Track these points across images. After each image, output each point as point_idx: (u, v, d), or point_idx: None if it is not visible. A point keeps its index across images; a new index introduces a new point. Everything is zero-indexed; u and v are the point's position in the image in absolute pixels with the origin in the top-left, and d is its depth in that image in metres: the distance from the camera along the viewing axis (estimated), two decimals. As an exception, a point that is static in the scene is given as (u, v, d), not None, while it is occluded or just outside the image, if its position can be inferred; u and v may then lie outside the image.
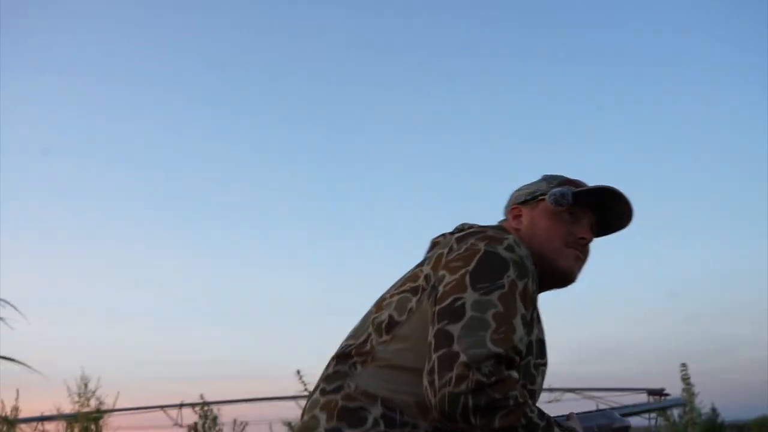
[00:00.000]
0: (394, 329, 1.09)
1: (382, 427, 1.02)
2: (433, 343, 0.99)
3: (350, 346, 1.13)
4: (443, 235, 1.22)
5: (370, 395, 1.05)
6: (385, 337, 1.09)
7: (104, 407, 5.60)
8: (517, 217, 1.27)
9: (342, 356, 1.12)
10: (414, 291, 1.11)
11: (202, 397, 6.16)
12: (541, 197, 1.26)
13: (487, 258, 1.06)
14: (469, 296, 1.01)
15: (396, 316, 1.10)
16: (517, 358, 1.01)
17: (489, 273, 1.04)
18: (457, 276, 1.05)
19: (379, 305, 1.15)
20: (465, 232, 1.14)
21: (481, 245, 1.08)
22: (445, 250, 1.11)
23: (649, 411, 1.46)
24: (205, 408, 6.02)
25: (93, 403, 5.57)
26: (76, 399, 5.57)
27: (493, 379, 0.94)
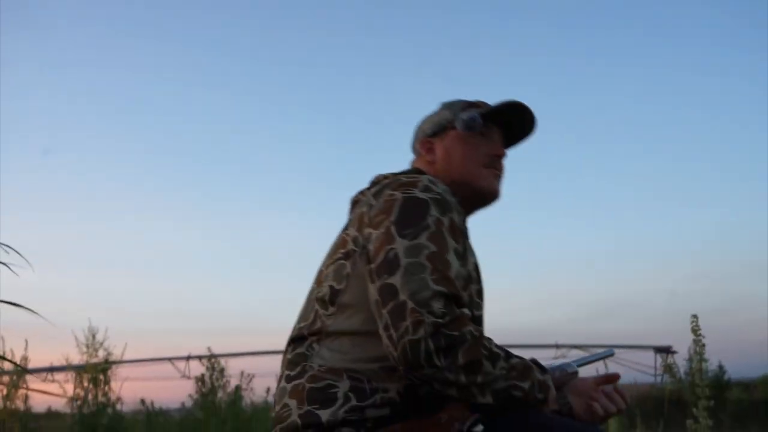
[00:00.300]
0: (337, 298, 1.08)
1: (353, 401, 1.01)
2: (379, 300, 0.99)
3: (302, 327, 1.11)
4: (362, 192, 1.20)
5: (334, 371, 1.03)
6: (331, 309, 1.08)
7: (112, 358, 5.67)
8: (430, 150, 1.27)
9: (297, 339, 1.11)
10: (346, 256, 1.09)
11: (209, 349, 6.21)
12: (449, 125, 1.26)
13: (406, 204, 1.05)
14: (399, 245, 1.00)
15: (336, 286, 1.08)
16: (463, 294, 1.01)
17: (412, 217, 1.03)
18: (382, 229, 1.04)
19: (319, 280, 1.14)
20: (380, 186, 1.13)
21: (398, 193, 1.07)
22: (365, 209, 1.10)
23: (584, 365, 1.47)
24: (213, 360, 6.07)
25: (101, 354, 5.65)
26: (85, 350, 5.65)
27: (447, 318, 0.94)
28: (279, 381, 1.11)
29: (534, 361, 1.03)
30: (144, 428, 5.40)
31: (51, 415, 6.03)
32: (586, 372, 1.22)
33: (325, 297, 1.09)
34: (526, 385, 0.98)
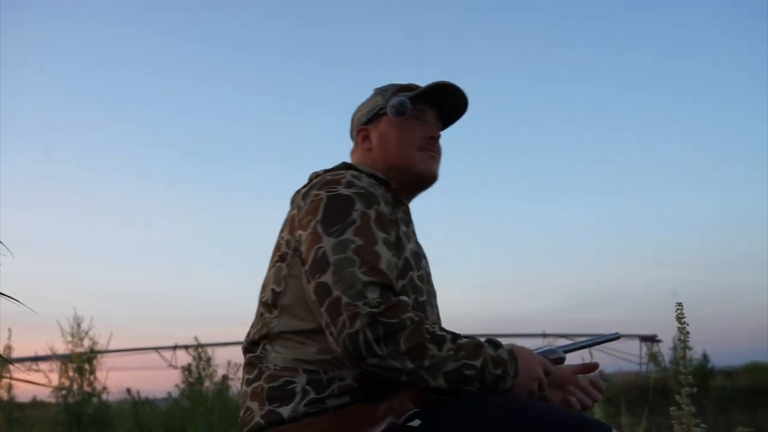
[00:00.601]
0: (279, 301, 1.09)
1: (312, 394, 1.02)
2: (316, 299, 1.00)
3: (254, 333, 1.12)
4: (298, 191, 1.20)
5: (290, 368, 1.05)
6: (275, 312, 1.09)
7: (98, 348, 5.63)
8: (366, 138, 1.28)
9: (251, 344, 1.12)
10: (282, 259, 1.11)
11: (196, 339, 6.19)
12: (381, 112, 1.26)
13: (331, 202, 1.07)
14: (327, 243, 1.02)
15: (276, 288, 1.10)
16: (396, 283, 1.03)
17: (337, 215, 1.05)
18: (310, 230, 1.05)
19: (263, 287, 1.15)
20: (307, 187, 1.14)
21: (322, 192, 1.09)
22: (296, 211, 1.12)
23: (589, 346, 1.47)
24: (199, 350, 6.05)
25: (86, 343, 5.60)
26: (70, 339, 5.60)
27: (382, 307, 0.95)
28: (241, 386, 1.12)
29: (489, 340, 1.04)
30: (130, 418, 5.37)
31: (36, 404, 5.98)
32: (570, 358, 1.22)
33: (269, 301, 1.11)
34: (478, 362, 0.97)
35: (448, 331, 0.99)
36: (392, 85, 1.29)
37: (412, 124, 1.24)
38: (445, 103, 1.27)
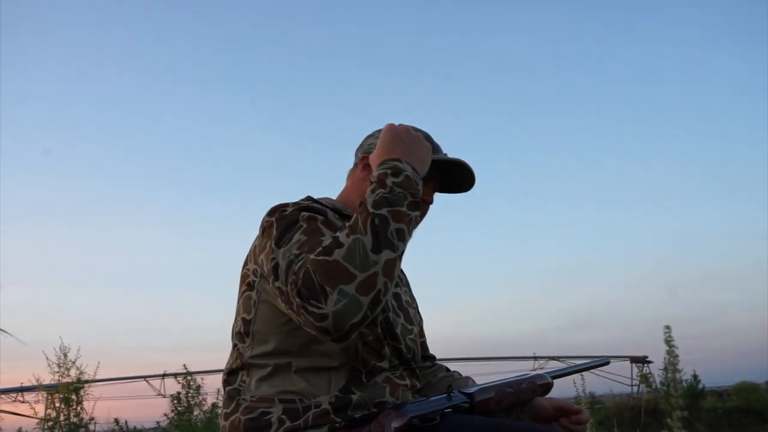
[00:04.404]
0: (250, 328, 1.10)
1: (287, 423, 1.01)
2: (280, 298, 0.96)
3: (231, 363, 1.13)
4: None
5: (266, 398, 1.04)
6: (247, 342, 1.10)
7: (85, 377, 5.55)
8: (367, 166, 1.20)
9: (228, 375, 1.12)
10: (251, 287, 1.11)
11: (185, 367, 6.13)
12: None
13: (280, 220, 1.06)
14: (278, 253, 1.00)
15: (247, 317, 1.11)
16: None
17: (286, 227, 1.03)
18: (267, 250, 1.04)
19: (234, 319, 1.15)
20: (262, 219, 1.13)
21: (272, 218, 1.08)
22: (257, 242, 1.11)
23: (577, 372, 1.47)
24: (188, 378, 5.99)
25: (73, 373, 5.52)
26: (56, 369, 5.52)
27: (298, 273, 0.91)
28: (220, 420, 1.11)
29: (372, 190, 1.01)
30: (118, 448, 5.27)
31: (21, 436, 5.86)
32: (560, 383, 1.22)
33: (241, 329, 1.11)
34: (383, 211, 0.96)
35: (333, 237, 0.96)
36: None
37: None
38: (452, 173, 1.23)
